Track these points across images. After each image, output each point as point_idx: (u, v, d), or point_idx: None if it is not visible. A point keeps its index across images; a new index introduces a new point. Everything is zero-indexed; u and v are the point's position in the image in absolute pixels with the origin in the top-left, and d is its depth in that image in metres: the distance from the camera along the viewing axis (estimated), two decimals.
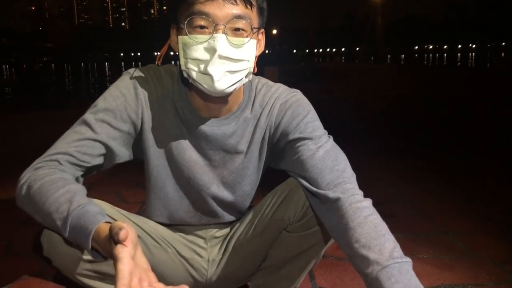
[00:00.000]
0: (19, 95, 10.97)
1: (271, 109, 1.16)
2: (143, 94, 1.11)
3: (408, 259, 0.95)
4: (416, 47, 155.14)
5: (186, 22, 0.98)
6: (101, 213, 0.90)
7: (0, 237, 2.09)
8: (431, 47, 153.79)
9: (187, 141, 1.15)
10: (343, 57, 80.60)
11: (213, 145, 1.16)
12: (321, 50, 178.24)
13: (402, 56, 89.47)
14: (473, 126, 5.23)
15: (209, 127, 1.13)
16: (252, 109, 1.17)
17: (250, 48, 1.03)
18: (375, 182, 2.95)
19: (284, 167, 1.18)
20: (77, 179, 1.05)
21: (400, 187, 2.84)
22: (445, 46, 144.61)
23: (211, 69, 0.98)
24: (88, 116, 1.07)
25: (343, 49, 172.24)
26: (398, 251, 0.95)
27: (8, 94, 11.56)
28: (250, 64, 1.05)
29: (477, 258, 1.83)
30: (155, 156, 1.16)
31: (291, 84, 1.24)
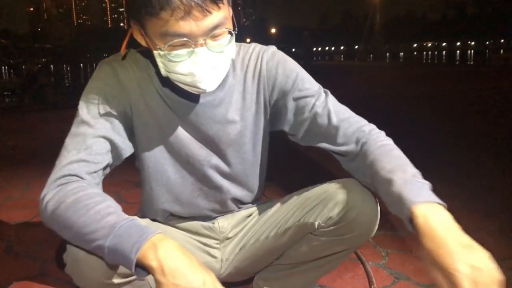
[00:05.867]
0: (18, 97, 10.97)
1: (258, 72, 1.14)
2: (124, 80, 1.07)
3: (428, 183, 0.98)
4: (415, 45, 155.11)
5: (164, 48, 0.92)
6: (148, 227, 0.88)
7: (0, 238, 2.09)
8: (429, 44, 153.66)
9: (176, 119, 1.10)
10: (342, 56, 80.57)
11: (203, 117, 1.11)
12: (320, 48, 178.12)
13: (401, 54, 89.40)
14: (473, 123, 5.23)
15: (194, 100, 1.10)
16: (234, 75, 1.13)
17: (231, 45, 0.99)
18: None
19: (289, 129, 1.17)
20: None
21: None
22: (444, 44, 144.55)
23: (199, 84, 0.97)
24: (82, 114, 1.04)
25: (342, 48, 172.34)
26: (420, 176, 1.00)
27: (7, 96, 11.53)
28: (232, 55, 1.02)
29: None
30: (149, 142, 1.12)
31: None
